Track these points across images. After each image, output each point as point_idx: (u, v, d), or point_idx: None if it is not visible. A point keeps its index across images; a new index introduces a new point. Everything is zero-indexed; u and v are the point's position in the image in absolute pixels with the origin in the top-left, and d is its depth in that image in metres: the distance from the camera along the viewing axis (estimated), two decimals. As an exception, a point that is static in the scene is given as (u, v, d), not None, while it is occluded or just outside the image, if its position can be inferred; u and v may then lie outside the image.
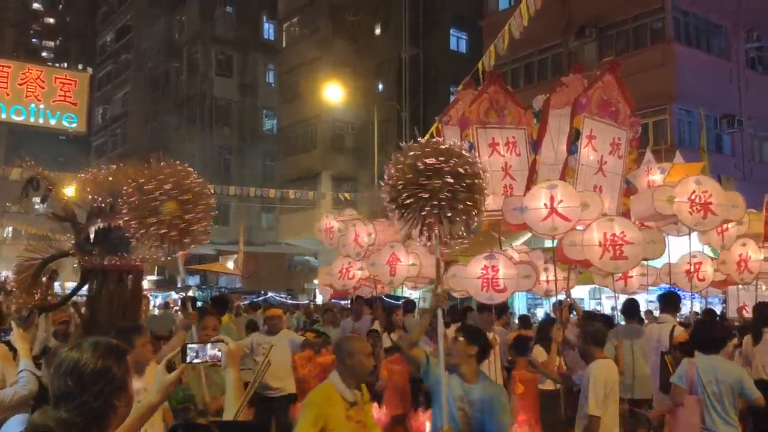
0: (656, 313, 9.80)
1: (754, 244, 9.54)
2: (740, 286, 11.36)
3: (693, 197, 7.99)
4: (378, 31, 31.80)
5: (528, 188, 7.99)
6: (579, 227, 7.73)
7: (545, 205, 7.45)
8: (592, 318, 9.23)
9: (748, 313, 10.62)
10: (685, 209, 7.94)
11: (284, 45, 35.61)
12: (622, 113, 8.50)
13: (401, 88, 29.55)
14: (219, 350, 2.82)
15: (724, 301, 14.23)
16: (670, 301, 8.10)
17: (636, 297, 9.12)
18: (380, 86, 31.36)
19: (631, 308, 8.42)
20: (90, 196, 5.33)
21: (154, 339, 5.63)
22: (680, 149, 20.40)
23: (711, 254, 10.38)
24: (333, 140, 31.92)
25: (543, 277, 9.40)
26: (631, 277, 9.60)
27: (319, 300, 24.94)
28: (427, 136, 11.94)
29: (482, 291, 7.76)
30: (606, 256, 7.59)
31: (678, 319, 8.47)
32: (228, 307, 12.89)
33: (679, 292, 9.17)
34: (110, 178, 5.25)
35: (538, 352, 7.70)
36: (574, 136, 7.89)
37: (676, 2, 21.45)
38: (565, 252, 7.88)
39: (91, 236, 5.22)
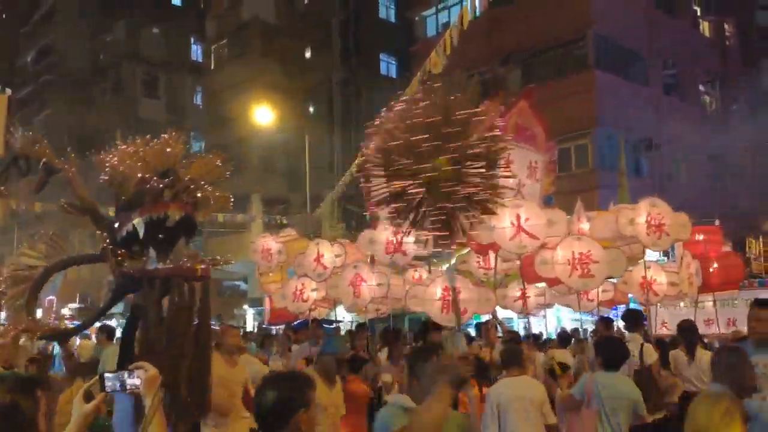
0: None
1: (658, 266, 9.88)
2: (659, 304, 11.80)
3: (649, 219, 8.29)
4: (309, 54, 31.86)
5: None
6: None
7: (512, 223, 7.67)
8: (514, 337, 9.38)
9: (669, 331, 10.97)
10: (644, 230, 8.22)
11: (213, 67, 35.25)
12: (538, 138, 8.81)
13: (332, 110, 29.63)
14: (138, 377, 2.72)
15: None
16: (635, 319, 8.27)
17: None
18: (311, 109, 31.38)
19: (631, 318, 8.48)
20: (131, 176, 3.72)
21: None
22: (601, 172, 21.25)
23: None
24: (263, 162, 31.66)
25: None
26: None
27: (249, 326, 24.54)
28: (357, 161, 11.95)
29: (442, 313, 7.84)
30: (575, 274, 7.91)
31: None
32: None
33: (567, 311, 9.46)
34: (167, 149, 3.72)
35: None
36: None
37: (597, 31, 22.33)
38: (537, 270, 8.12)
39: (140, 231, 3.53)
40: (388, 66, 32.52)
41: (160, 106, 38.14)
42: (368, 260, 9.21)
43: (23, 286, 3.80)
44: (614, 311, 14.98)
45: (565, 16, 21.88)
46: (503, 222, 7.70)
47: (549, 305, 10.98)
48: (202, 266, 3.48)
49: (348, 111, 30.06)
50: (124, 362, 3.47)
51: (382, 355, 9.21)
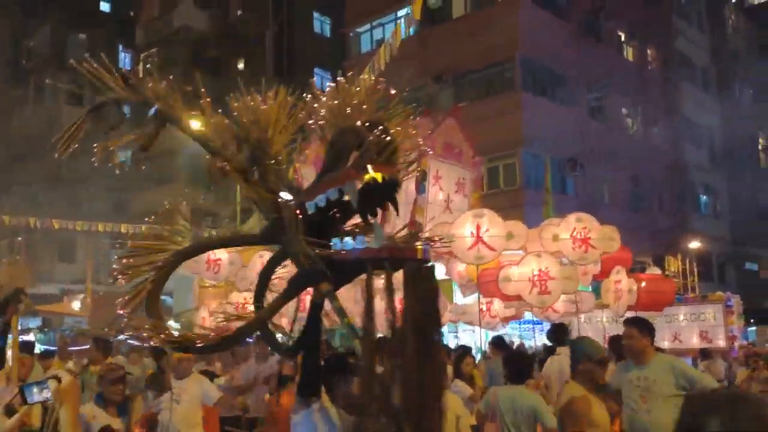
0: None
1: None
2: (582, 318, 12.10)
3: (574, 234, 8.45)
4: (241, 65, 31.52)
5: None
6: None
7: (471, 233, 7.76)
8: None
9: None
10: (569, 245, 8.37)
11: (141, 76, 34.41)
12: (465, 155, 8.99)
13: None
14: (46, 388, 2.64)
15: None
16: (562, 333, 8.39)
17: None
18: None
19: (557, 332, 8.55)
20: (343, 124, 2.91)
21: None
22: (527, 190, 21.77)
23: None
24: (191, 174, 31.05)
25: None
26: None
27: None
28: (291, 174, 11.80)
29: None
30: (534, 291, 8.11)
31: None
32: (111, 349, 11.70)
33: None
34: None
35: None
36: (422, 177, 8.25)
37: (524, 54, 22.95)
38: (500, 287, 8.22)
39: (352, 199, 2.71)
40: (322, 80, 32.48)
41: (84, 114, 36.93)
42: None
43: (147, 277, 3.04)
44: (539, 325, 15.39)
45: (494, 38, 22.40)
46: (462, 230, 7.79)
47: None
48: (422, 246, 2.72)
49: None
50: (313, 377, 2.92)
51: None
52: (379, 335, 2.68)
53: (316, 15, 33.68)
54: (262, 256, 9.41)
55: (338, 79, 3.10)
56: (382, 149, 2.73)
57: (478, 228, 7.86)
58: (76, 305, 28.57)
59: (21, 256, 24.62)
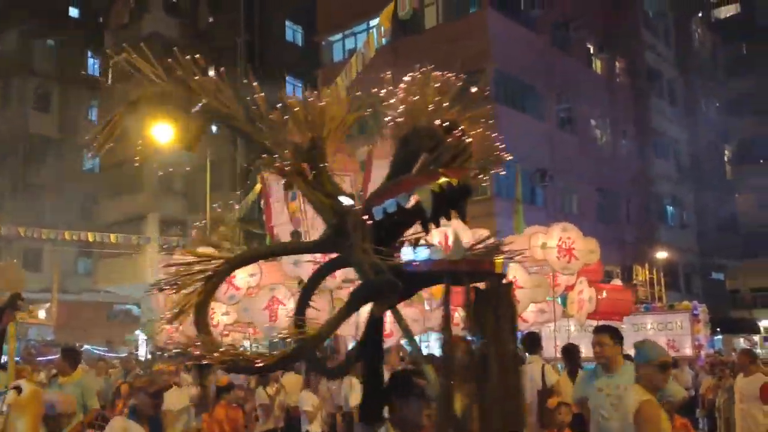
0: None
1: None
2: (552, 326, 12.17)
3: (560, 243, 8.50)
4: (212, 73, 31.29)
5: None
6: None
7: (439, 243, 7.67)
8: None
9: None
10: (554, 254, 8.41)
11: (110, 82, 33.99)
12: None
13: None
14: (3, 399, 2.57)
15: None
16: (534, 342, 8.40)
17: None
18: (214, 128, 30.77)
19: (529, 341, 8.54)
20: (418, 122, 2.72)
21: None
22: (498, 200, 21.90)
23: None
24: (161, 182, 30.71)
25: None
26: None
27: (141, 353, 23.52)
28: (258, 186, 11.66)
29: None
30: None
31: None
32: (79, 360, 11.38)
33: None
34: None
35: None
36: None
37: (496, 66, 23.14)
38: None
39: (426, 205, 2.54)
40: (294, 89, 32.41)
41: (52, 120, 36.33)
42: (298, 282, 8.74)
43: (196, 287, 2.75)
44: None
45: (467, 49, 22.54)
46: (434, 240, 7.80)
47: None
48: (499, 259, 2.50)
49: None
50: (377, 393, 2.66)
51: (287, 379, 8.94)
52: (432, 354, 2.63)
53: (288, 23, 33.64)
54: None
55: (415, 74, 2.91)
56: (458, 153, 2.59)
57: (446, 237, 7.87)
58: (41, 314, 27.99)
59: (16, 260, 24.02)
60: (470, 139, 2.68)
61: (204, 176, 26.27)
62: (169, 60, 2.78)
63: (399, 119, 2.81)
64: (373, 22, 21.57)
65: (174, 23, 31.73)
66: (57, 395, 4.76)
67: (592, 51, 30.07)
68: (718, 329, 27.03)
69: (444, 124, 2.64)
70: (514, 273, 8.13)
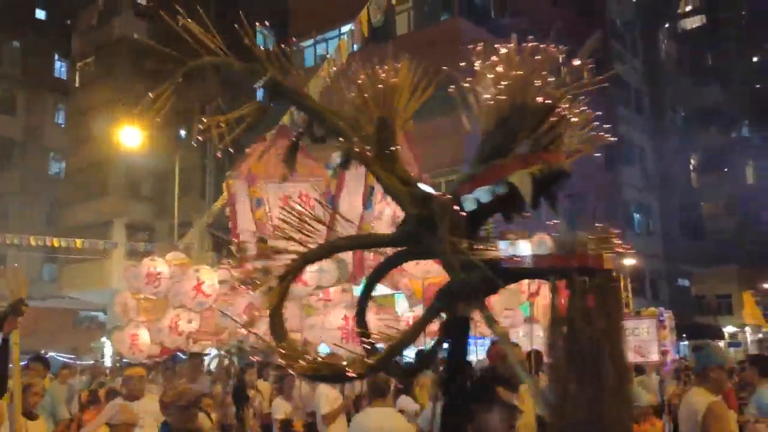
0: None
1: None
2: (521, 332, 12.25)
3: None
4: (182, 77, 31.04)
5: (327, 242, 8.13)
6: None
7: None
8: None
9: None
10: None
11: (77, 85, 33.52)
12: (413, 171, 8.99)
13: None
14: None
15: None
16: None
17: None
18: (183, 132, 30.51)
19: None
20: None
21: None
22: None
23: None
24: (128, 187, 30.31)
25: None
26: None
27: (107, 360, 23.14)
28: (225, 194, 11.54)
29: (343, 342, 7.71)
30: None
31: None
32: (49, 368, 10.96)
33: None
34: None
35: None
36: (369, 192, 8.21)
37: (467, 74, 23.28)
38: None
39: (524, 191, 2.42)
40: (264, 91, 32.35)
41: (17, 124, 35.66)
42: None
43: (273, 285, 2.52)
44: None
45: (439, 56, 22.67)
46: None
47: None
48: (607, 254, 2.26)
49: (222, 136, 29.46)
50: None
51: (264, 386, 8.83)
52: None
53: (259, 28, 33.46)
54: (198, 271, 8.95)
55: (508, 45, 2.58)
56: (557, 134, 2.37)
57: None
58: (4, 321, 27.38)
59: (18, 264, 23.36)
60: (575, 118, 2.48)
61: (172, 181, 26.02)
62: (235, 26, 2.56)
63: (496, 97, 2.55)
64: (345, 29, 21.59)
65: (144, 26, 31.38)
66: None
67: (560, 59, 30.39)
68: (684, 335, 27.45)
69: (546, 102, 2.43)
70: None
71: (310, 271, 7.86)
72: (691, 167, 42.46)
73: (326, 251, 2.79)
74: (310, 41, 27.56)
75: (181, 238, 21.91)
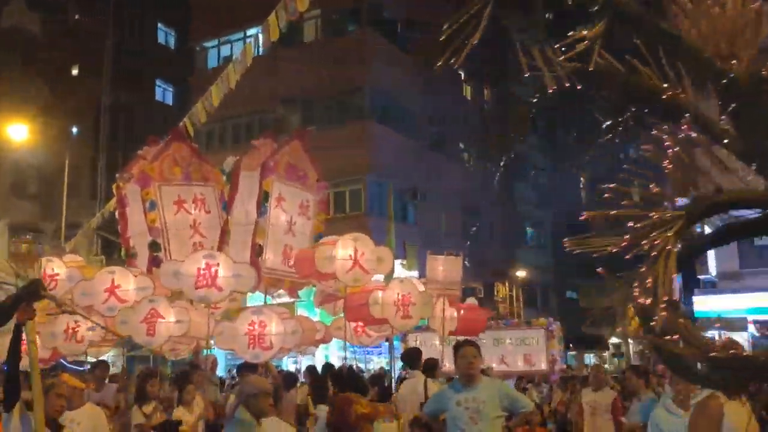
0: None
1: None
2: (418, 340, 12.46)
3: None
4: (76, 71, 29.67)
5: (220, 248, 8.01)
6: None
7: (350, 256, 8.09)
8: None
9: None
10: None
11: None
12: (309, 178, 9.00)
13: (98, 134, 27.76)
14: None
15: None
16: (414, 358, 8.43)
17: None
18: (75, 130, 29.11)
19: (411, 357, 8.62)
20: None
21: None
22: (372, 216, 22.18)
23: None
24: (12, 185, 28.60)
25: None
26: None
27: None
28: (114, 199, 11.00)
29: (249, 348, 7.59)
30: (398, 314, 8.40)
31: None
32: None
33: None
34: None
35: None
36: (263, 198, 8.20)
37: (373, 85, 23.52)
38: (370, 311, 8.40)
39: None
40: (164, 93, 31.35)
41: None
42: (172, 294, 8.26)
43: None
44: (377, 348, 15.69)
45: (346, 66, 22.78)
46: (344, 252, 8.08)
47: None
48: None
49: (116, 136, 28.36)
50: None
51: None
52: None
53: (160, 26, 32.51)
54: (114, 273, 8.49)
55: None
56: None
57: (356, 251, 8.16)
58: None
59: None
60: None
61: (61, 180, 24.77)
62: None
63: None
64: (251, 32, 21.31)
65: (37, 18, 29.78)
66: None
67: (463, 76, 31.23)
68: (571, 345, 28.68)
69: None
70: (408, 289, 8.43)
71: (224, 277, 7.72)
72: (581, 185, 44.52)
73: (723, 204, 2.37)
74: (214, 42, 27.04)
75: (68, 240, 20.84)
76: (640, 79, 2.50)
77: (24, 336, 3.92)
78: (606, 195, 2.52)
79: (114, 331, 7.75)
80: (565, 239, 2.72)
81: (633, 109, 2.65)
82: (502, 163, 29.33)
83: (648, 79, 2.45)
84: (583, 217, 2.66)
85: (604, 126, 2.89)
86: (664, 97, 2.38)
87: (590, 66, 2.62)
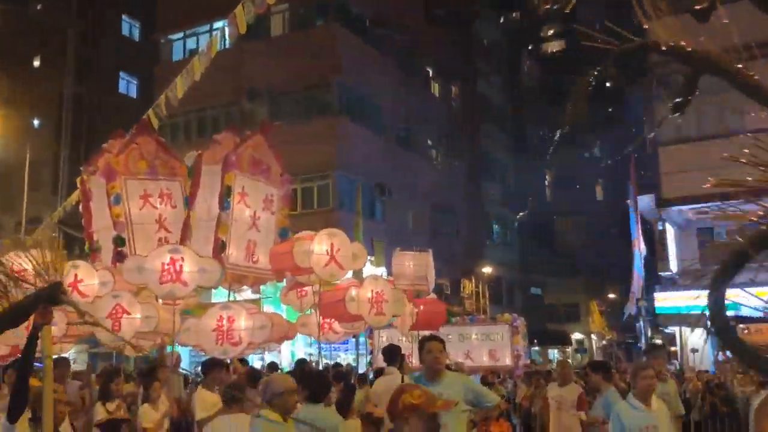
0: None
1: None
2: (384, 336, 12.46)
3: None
4: (37, 63, 29.06)
5: (183, 242, 7.89)
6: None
7: (326, 251, 8.21)
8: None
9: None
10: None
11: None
12: (273, 172, 8.93)
13: (60, 127, 27.23)
14: None
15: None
16: (393, 355, 8.43)
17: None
18: (36, 122, 28.52)
19: (390, 353, 8.64)
20: None
21: None
22: (340, 212, 22.14)
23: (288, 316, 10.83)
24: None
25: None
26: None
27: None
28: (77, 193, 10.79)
29: (217, 344, 7.53)
30: (372, 311, 8.55)
31: None
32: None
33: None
34: None
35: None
36: (226, 193, 8.10)
37: (342, 80, 23.44)
38: (347, 307, 8.54)
39: None
40: (128, 85, 30.88)
41: None
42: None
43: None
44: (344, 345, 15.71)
45: (314, 61, 22.66)
46: (320, 248, 8.17)
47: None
48: None
49: (79, 129, 27.84)
50: None
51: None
52: None
53: (125, 17, 31.98)
54: (77, 267, 8.22)
55: None
56: None
57: (332, 247, 8.23)
58: None
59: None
60: None
61: (21, 175, 24.25)
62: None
63: None
64: (217, 24, 21.09)
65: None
66: None
67: (431, 74, 31.34)
68: (535, 341, 29.04)
69: None
70: (381, 287, 8.51)
71: (190, 272, 7.57)
72: (546, 183, 45.02)
73: None
74: (180, 34, 26.70)
75: (29, 234, 20.41)
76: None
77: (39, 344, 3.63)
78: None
79: (128, 341, 7.41)
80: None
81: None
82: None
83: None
84: (708, 186, 2.50)
85: (671, 104, 2.85)
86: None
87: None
